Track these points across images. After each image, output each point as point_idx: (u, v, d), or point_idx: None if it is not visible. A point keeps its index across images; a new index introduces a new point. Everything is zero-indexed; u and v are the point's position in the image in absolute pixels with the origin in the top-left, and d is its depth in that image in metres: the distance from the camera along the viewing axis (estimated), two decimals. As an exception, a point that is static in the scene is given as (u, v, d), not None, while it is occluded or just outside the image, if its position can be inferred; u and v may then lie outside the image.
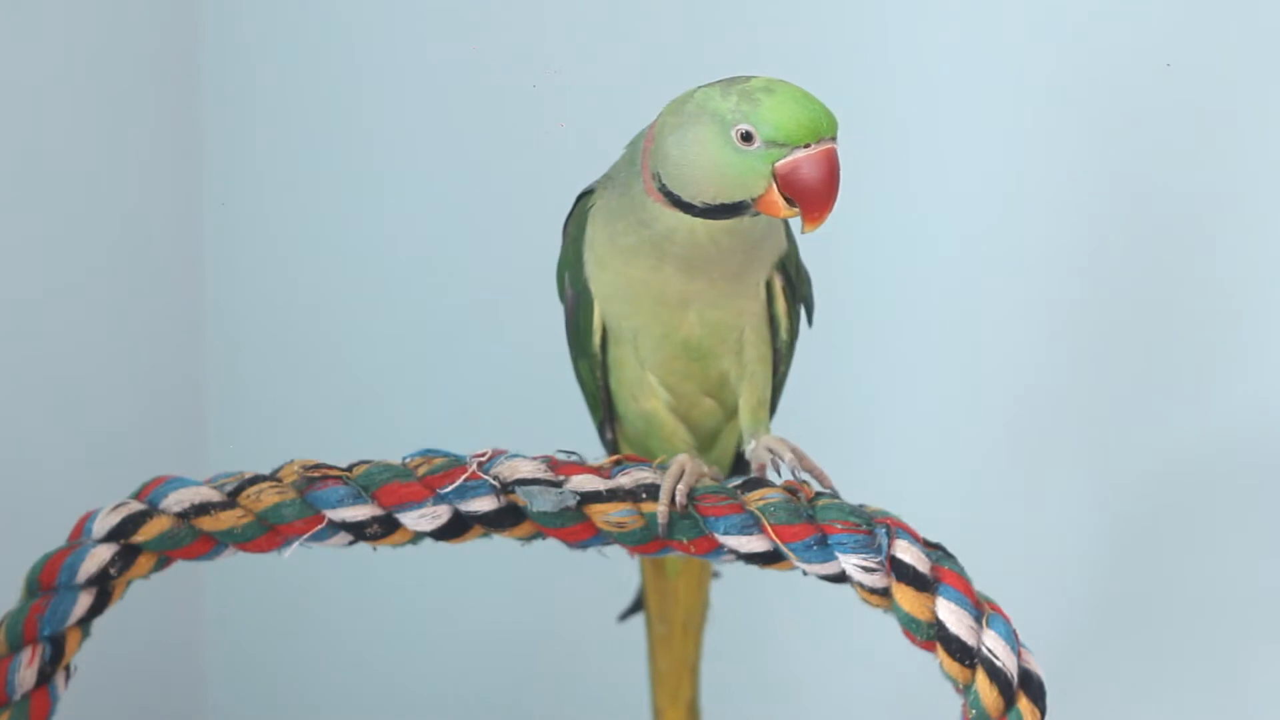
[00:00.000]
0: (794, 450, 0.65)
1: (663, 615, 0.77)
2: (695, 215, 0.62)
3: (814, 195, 0.59)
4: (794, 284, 0.67)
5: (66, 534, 0.60)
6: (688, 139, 0.61)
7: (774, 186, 0.60)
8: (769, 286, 0.66)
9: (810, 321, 0.70)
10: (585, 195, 0.68)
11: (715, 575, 0.78)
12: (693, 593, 0.77)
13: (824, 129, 0.59)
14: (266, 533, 0.60)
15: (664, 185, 0.62)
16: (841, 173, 0.60)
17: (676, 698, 0.79)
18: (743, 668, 0.98)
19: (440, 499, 0.61)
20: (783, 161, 0.59)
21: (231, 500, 0.60)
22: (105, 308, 1.02)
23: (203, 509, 0.59)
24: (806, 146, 0.59)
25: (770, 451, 0.66)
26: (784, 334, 0.68)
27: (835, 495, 0.63)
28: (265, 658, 1.12)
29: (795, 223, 0.67)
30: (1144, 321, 0.96)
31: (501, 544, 0.64)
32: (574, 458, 0.63)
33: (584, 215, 0.67)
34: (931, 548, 0.61)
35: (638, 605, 0.79)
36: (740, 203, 0.61)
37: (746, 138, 0.60)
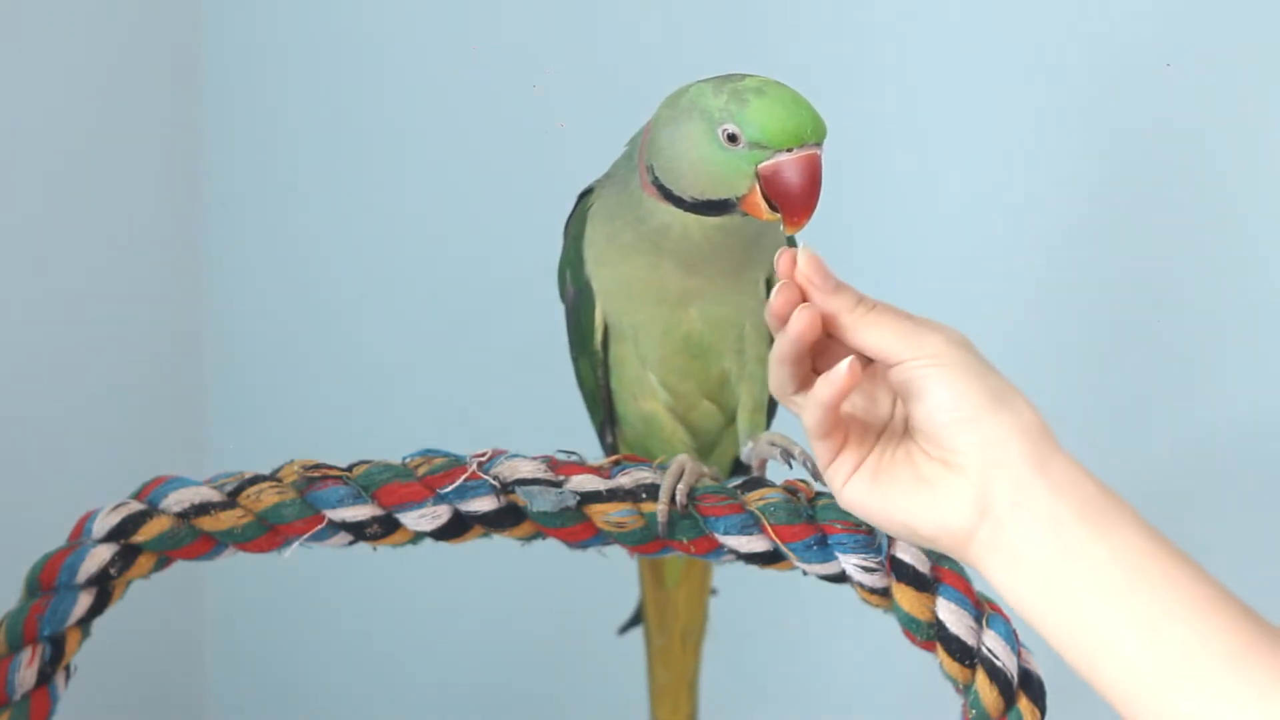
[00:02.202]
0: (798, 446, 0.65)
1: (662, 627, 0.77)
2: (685, 210, 0.62)
3: (794, 199, 0.59)
4: None
5: (66, 534, 0.60)
6: (678, 134, 0.61)
7: (757, 188, 0.60)
8: (769, 283, 0.67)
9: None
10: (585, 194, 0.68)
11: (713, 593, 0.78)
12: (692, 604, 0.77)
13: (808, 134, 0.59)
14: (266, 533, 0.60)
15: (656, 178, 0.62)
16: (823, 178, 0.60)
17: (676, 711, 0.79)
18: (741, 679, 0.98)
19: (440, 499, 0.61)
20: (765, 163, 0.59)
21: (231, 500, 0.60)
22: (105, 308, 1.02)
23: (203, 509, 0.59)
24: (790, 150, 0.59)
25: (774, 445, 0.66)
26: None
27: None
28: (266, 658, 1.12)
29: None
30: (1144, 321, 0.96)
31: (502, 544, 0.64)
32: (574, 458, 0.63)
33: (584, 214, 0.67)
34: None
35: (637, 619, 0.79)
36: (726, 201, 0.61)
37: (732, 138, 0.60)
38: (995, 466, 0.51)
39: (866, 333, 0.53)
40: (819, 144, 0.60)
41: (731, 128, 0.60)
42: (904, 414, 0.54)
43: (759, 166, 0.59)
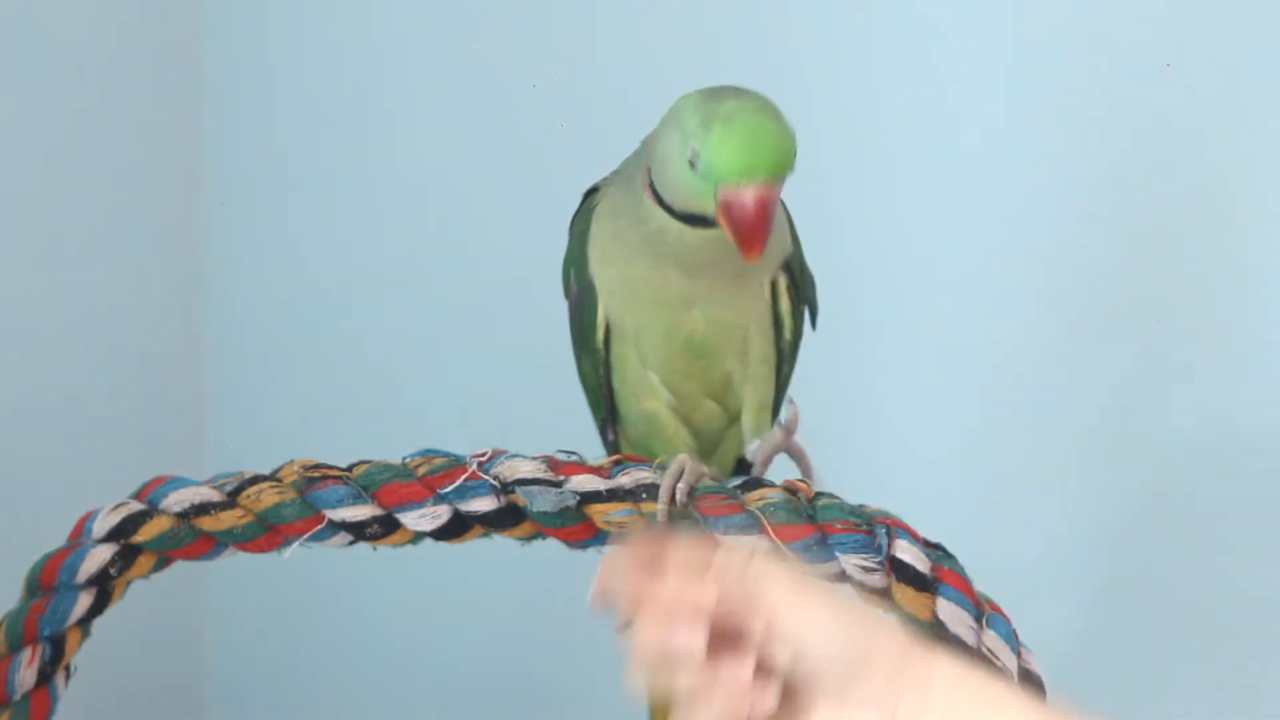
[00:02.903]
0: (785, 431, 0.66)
1: None
2: (675, 218, 0.62)
3: (739, 232, 0.59)
4: (798, 284, 0.67)
5: (66, 534, 0.60)
6: (663, 143, 0.61)
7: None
8: (773, 286, 0.66)
9: (814, 325, 0.70)
10: (592, 192, 0.68)
11: None
12: None
13: (761, 171, 0.58)
14: (266, 533, 0.60)
15: (652, 181, 0.62)
16: (770, 217, 0.59)
17: None
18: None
19: (440, 499, 0.61)
20: (722, 191, 0.59)
21: (231, 500, 0.60)
22: (105, 308, 1.02)
23: (203, 509, 0.60)
24: (738, 184, 0.59)
25: (781, 430, 0.66)
26: (788, 334, 0.67)
27: (832, 494, 0.63)
28: (266, 658, 1.12)
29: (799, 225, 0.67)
30: (1144, 321, 0.96)
31: (503, 544, 0.64)
32: (574, 458, 0.63)
33: (589, 211, 0.67)
34: (931, 548, 0.61)
35: None
36: (704, 215, 0.61)
37: (693, 161, 0.60)
38: None
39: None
40: (774, 180, 0.59)
41: (693, 151, 0.60)
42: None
43: (718, 192, 0.59)
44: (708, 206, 0.60)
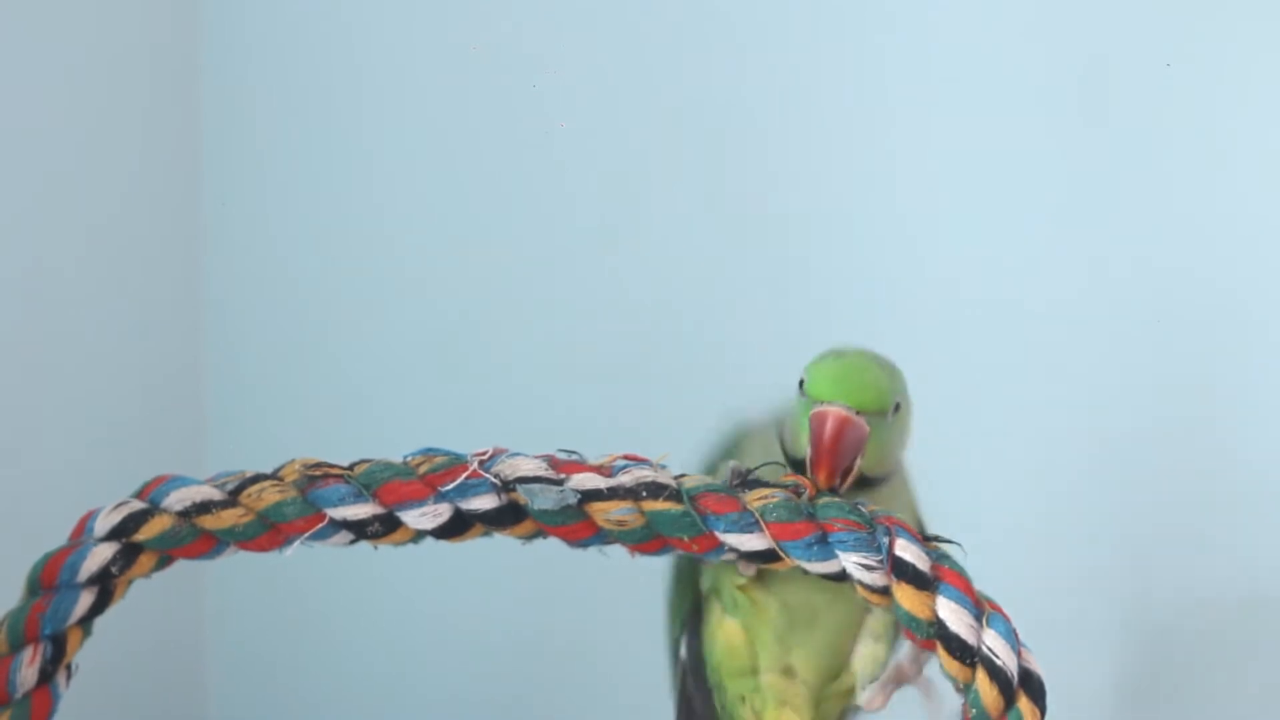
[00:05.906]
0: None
1: None
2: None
3: (815, 445, 0.62)
4: None
5: (67, 533, 0.60)
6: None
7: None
8: None
9: None
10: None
11: None
12: None
13: (842, 394, 0.62)
14: (268, 531, 0.60)
15: (781, 433, 0.66)
16: (847, 440, 0.62)
17: None
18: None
19: (441, 497, 0.61)
20: (813, 409, 0.62)
21: (233, 499, 0.60)
22: (105, 307, 1.02)
23: (204, 507, 0.59)
24: (826, 404, 0.62)
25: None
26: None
27: (832, 494, 0.63)
28: (267, 657, 1.12)
29: None
30: (1145, 323, 0.96)
31: (502, 543, 0.64)
32: (575, 456, 0.63)
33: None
34: (931, 546, 0.61)
35: None
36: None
37: (802, 381, 0.64)
38: None
39: None
40: (860, 410, 0.62)
41: (802, 376, 0.64)
42: None
43: (810, 412, 0.63)
44: (803, 429, 0.63)
